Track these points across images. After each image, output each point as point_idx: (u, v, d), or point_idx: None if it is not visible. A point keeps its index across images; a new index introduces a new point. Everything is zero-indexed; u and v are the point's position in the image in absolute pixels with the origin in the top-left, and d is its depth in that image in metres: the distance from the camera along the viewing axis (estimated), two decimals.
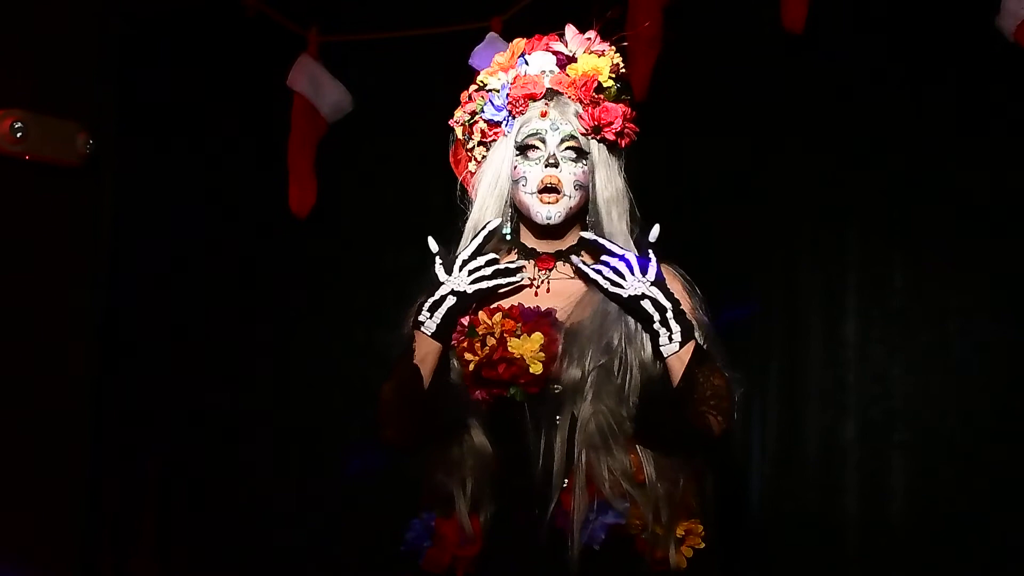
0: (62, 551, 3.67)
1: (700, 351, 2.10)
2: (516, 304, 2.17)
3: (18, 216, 3.54)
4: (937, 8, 3.23)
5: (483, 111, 2.26)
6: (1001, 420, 3.16)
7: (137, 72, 4.05)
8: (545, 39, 2.28)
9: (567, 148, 2.20)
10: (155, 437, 4.10)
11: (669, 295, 2.11)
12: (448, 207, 2.35)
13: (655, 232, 2.16)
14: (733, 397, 2.11)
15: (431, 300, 2.15)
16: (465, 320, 2.16)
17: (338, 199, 3.89)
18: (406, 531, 2.23)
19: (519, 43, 2.29)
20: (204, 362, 4.06)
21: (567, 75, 2.23)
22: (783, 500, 3.34)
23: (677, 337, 2.09)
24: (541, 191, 2.18)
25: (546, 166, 2.18)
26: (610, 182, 2.23)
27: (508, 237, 2.26)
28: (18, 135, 3.46)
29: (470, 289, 2.16)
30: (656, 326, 2.10)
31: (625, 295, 2.11)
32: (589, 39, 2.27)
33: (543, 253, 2.26)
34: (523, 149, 2.21)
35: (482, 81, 2.29)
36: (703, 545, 2.15)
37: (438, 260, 2.18)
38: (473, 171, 2.31)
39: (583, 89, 2.21)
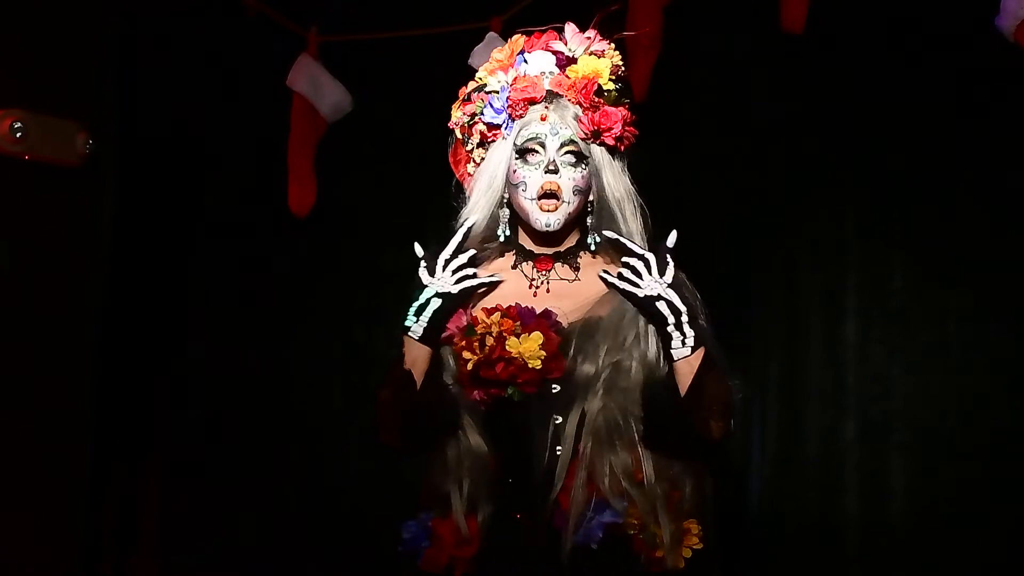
0: (62, 551, 3.66)
1: (709, 358, 2.09)
2: (514, 304, 2.17)
3: (18, 216, 3.52)
4: (937, 8, 3.23)
5: (483, 114, 2.25)
6: (1001, 420, 3.16)
7: (137, 72, 4.04)
8: (544, 37, 2.26)
9: (566, 152, 2.19)
10: (155, 437, 4.10)
11: (685, 299, 2.10)
12: (448, 207, 2.35)
13: (673, 238, 2.13)
14: (734, 404, 2.10)
15: (416, 304, 2.15)
16: (464, 319, 2.16)
17: (338, 199, 3.89)
18: (404, 532, 2.23)
19: (518, 40, 2.27)
20: (204, 362, 4.06)
21: (567, 77, 2.22)
22: (783, 500, 3.34)
23: (690, 342, 2.07)
24: (541, 197, 2.18)
25: (546, 172, 2.17)
26: (618, 183, 2.23)
27: (503, 238, 2.25)
28: (18, 135, 3.45)
29: (455, 289, 2.15)
30: (670, 329, 2.08)
31: (641, 295, 2.10)
32: (589, 38, 2.26)
33: (541, 255, 2.25)
34: (522, 153, 2.20)
35: (481, 80, 2.28)
36: (701, 546, 2.15)
37: (423, 264, 2.17)
38: (472, 172, 2.30)
39: (583, 92, 2.20)
